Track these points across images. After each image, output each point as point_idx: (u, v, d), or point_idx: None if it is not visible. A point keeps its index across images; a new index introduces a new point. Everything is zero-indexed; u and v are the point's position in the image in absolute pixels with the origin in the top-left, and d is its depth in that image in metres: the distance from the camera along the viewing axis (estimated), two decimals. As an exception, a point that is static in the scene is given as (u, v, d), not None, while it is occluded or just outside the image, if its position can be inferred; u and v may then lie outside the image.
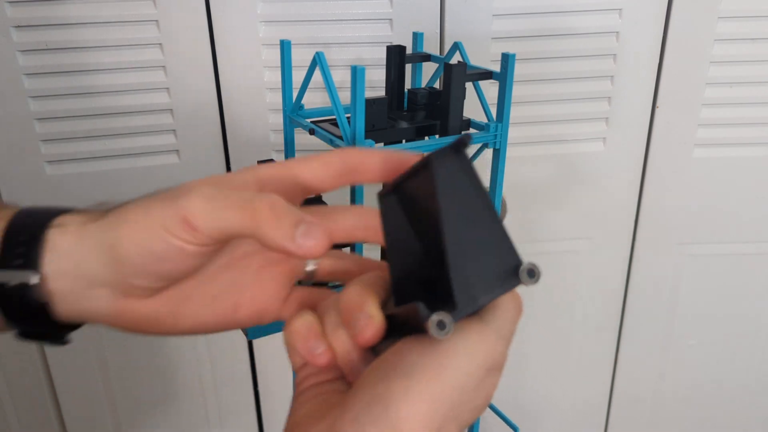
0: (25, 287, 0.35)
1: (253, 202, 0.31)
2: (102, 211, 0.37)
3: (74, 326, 0.38)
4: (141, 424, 0.96)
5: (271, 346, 0.93)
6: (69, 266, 0.35)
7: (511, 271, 0.30)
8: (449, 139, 0.56)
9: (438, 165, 0.30)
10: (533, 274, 0.30)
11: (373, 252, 0.60)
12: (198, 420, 0.98)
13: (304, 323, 0.33)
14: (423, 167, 0.31)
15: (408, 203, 0.33)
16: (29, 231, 0.36)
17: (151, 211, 0.34)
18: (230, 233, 0.32)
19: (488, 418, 0.69)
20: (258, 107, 0.80)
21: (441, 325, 0.28)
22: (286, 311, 0.39)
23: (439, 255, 0.30)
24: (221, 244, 0.34)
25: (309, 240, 0.30)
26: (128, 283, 0.35)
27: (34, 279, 0.35)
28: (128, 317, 0.36)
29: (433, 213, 0.30)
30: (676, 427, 1.08)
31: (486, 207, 0.30)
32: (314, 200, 0.58)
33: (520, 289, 0.31)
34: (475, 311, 0.30)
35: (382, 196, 0.34)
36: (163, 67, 0.77)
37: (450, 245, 0.29)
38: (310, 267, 0.40)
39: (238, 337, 0.92)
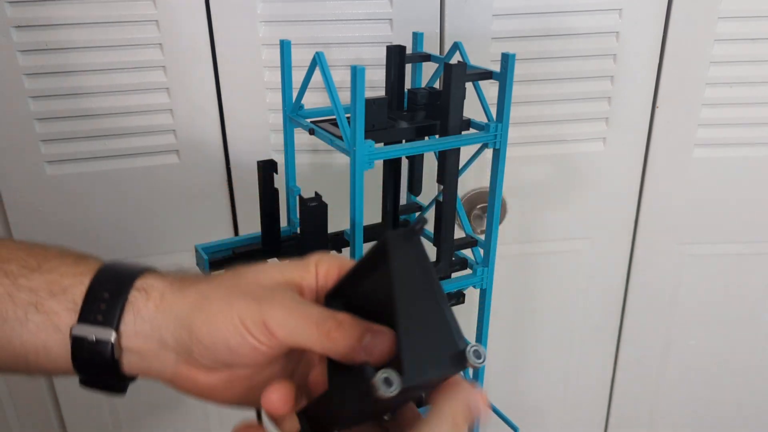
0: (100, 343, 0.38)
1: (326, 323, 0.35)
2: (183, 279, 0.40)
3: (133, 378, 0.41)
4: (141, 425, 0.96)
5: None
6: (146, 330, 0.38)
7: (457, 355, 0.31)
8: (449, 141, 0.56)
9: (393, 250, 0.32)
10: (479, 355, 0.31)
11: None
12: (198, 420, 0.98)
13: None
14: (379, 252, 0.33)
15: (359, 293, 0.36)
16: (113, 289, 0.39)
17: (234, 307, 0.37)
18: (303, 346, 0.36)
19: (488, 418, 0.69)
20: (258, 107, 0.80)
21: (387, 382, 0.29)
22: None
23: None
24: (289, 350, 0.37)
25: (374, 347, 0.33)
26: (195, 359, 0.38)
27: (111, 337, 0.38)
28: (187, 383, 0.39)
29: (387, 295, 0.32)
30: (676, 427, 1.08)
31: (434, 293, 0.32)
32: (314, 200, 0.58)
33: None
34: (422, 384, 0.31)
35: (329, 299, 0.38)
36: (163, 67, 0.77)
37: (402, 325, 0.31)
38: None
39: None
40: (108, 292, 0.39)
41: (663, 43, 0.81)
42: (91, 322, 0.38)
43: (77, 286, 0.39)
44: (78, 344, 0.38)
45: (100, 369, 0.38)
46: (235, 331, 0.36)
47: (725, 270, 0.96)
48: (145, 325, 0.38)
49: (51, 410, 0.94)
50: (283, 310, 0.36)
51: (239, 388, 0.40)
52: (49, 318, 0.38)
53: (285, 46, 0.57)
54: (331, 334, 0.34)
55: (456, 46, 0.62)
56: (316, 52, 0.53)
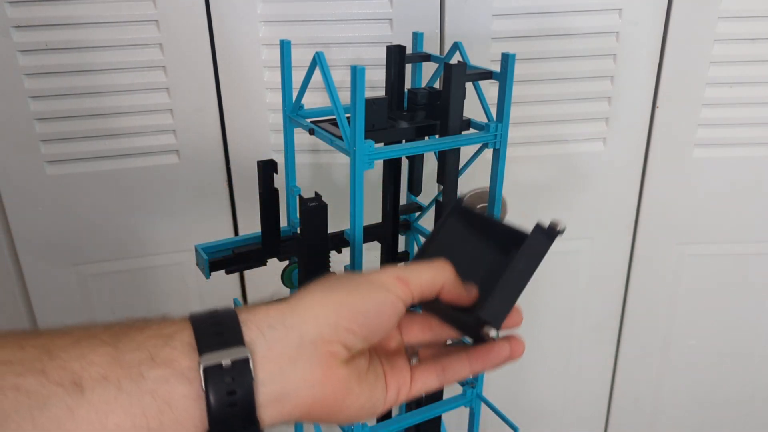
0: (237, 367, 0.35)
1: (438, 263, 0.44)
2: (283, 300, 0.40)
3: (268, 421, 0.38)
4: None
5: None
6: (278, 335, 0.37)
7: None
8: (449, 141, 0.56)
9: (534, 235, 0.47)
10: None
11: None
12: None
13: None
14: (514, 233, 0.49)
15: (479, 231, 0.50)
16: (220, 320, 0.37)
17: (369, 279, 0.42)
18: (429, 286, 0.43)
19: (488, 418, 0.69)
20: (258, 107, 0.80)
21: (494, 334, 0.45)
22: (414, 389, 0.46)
23: (492, 280, 0.44)
24: (416, 303, 0.43)
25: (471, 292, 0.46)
26: (340, 340, 0.39)
27: (245, 353, 0.35)
28: (327, 384, 0.38)
29: (507, 255, 0.47)
30: (676, 428, 1.08)
31: (529, 275, 0.46)
32: (313, 200, 0.58)
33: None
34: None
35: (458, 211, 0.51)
36: (163, 67, 0.77)
37: (503, 280, 0.44)
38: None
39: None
40: (216, 323, 0.36)
41: (663, 43, 0.82)
42: (216, 348, 0.35)
43: (181, 332, 0.36)
44: (212, 379, 0.34)
45: (238, 411, 0.34)
46: (380, 292, 0.40)
47: (725, 270, 0.96)
48: (275, 331, 0.37)
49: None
50: (403, 268, 0.43)
51: (364, 388, 0.41)
52: (167, 367, 0.34)
53: (285, 46, 0.57)
54: (446, 269, 0.44)
55: (456, 46, 0.62)
56: (316, 52, 0.53)
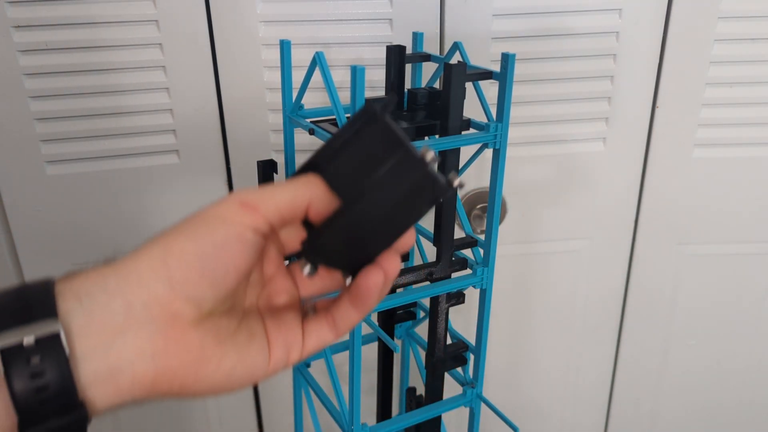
0: (43, 346, 0.29)
1: (303, 178, 0.35)
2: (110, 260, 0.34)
3: (97, 408, 0.32)
4: (141, 425, 0.96)
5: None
6: (101, 301, 0.31)
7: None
8: (449, 141, 0.56)
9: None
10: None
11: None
12: (198, 420, 0.98)
13: None
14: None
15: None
16: (27, 293, 0.31)
17: (203, 214, 0.34)
18: (289, 207, 0.34)
19: (488, 418, 0.69)
20: (258, 107, 0.80)
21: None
22: (307, 347, 0.39)
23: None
24: (272, 235, 0.35)
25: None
26: (180, 297, 0.32)
27: (56, 327, 0.30)
28: (172, 354, 0.32)
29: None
30: (676, 428, 1.08)
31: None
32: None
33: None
34: None
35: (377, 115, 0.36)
36: (163, 67, 0.77)
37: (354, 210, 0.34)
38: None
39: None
40: (22, 296, 0.31)
41: (663, 43, 0.82)
42: (18, 324, 0.29)
43: None
44: (12, 362, 0.29)
45: (51, 395, 0.29)
46: (214, 226, 0.33)
47: (725, 270, 0.96)
48: (94, 299, 0.31)
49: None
50: (252, 190, 0.34)
51: (230, 350, 0.35)
52: None
53: (285, 46, 0.57)
54: (310, 182, 0.35)
55: (456, 46, 0.62)
56: (316, 52, 0.53)
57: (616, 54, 0.81)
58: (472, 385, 0.69)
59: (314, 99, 0.76)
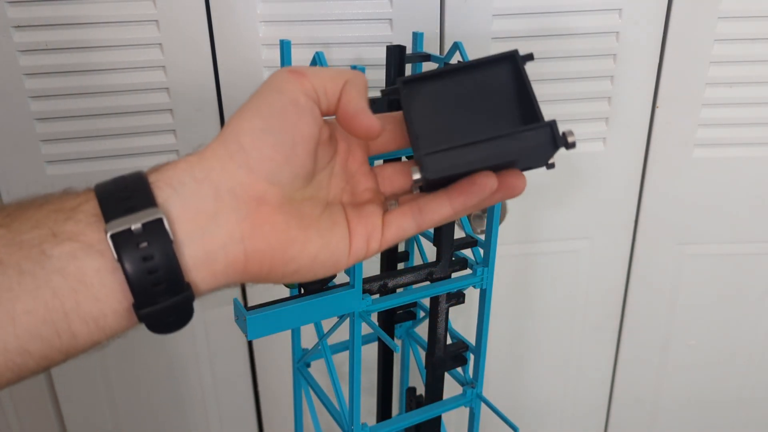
0: (149, 230, 0.31)
1: (351, 76, 0.37)
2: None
3: (198, 287, 0.34)
4: (141, 425, 0.97)
5: (271, 346, 0.93)
6: (191, 189, 0.33)
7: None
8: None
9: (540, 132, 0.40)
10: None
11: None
12: (198, 420, 0.98)
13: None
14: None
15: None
16: (127, 185, 0.33)
17: (261, 90, 0.35)
18: (331, 82, 0.36)
19: (488, 418, 0.69)
20: (258, 107, 0.80)
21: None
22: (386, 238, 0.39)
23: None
24: (326, 103, 0.36)
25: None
26: (261, 179, 0.34)
27: (159, 214, 0.31)
28: (259, 236, 0.34)
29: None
30: (676, 428, 1.08)
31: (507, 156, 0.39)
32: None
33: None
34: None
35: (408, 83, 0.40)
36: (163, 67, 0.77)
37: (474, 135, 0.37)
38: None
39: (238, 337, 0.92)
40: (123, 188, 0.32)
41: (663, 43, 0.82)
42: (124, 214, 0.31)
43: (85, 203, 0.32)
44: (123, 246, 0.30)
45: (161, 276, 0.31)
46: (270, 97, 0.35)
47: (725, 270, 0.96)
48: (186, 187, 0.33)
49: (51, 410, 0.94)
50: (297, 65, 0.37)
51: (313, 234, 0.36)
52: (73, 241, 0.31)
53: (285, 46, 0.57)
54: (351, 71, 0.37)
55: (456, 46, 0.62)
56: (316, 52, 0.53)
57: (616, 54, 0.81)
58: (472, 385, 0.69)
59: (314, 99, 0.76)
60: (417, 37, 0.69)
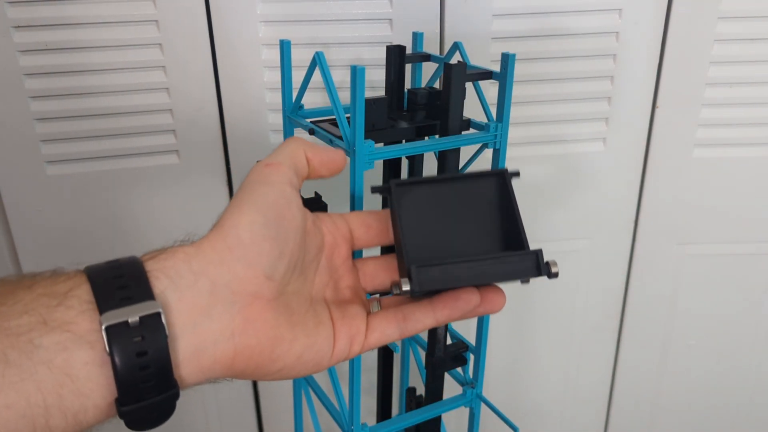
0: (146, 324, 0.30)
1: (287, 140, 0.41)
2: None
3: (187, 382, 0.33)
4: (141, 424, 0.96)
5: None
6: (188, 281, 0.32)
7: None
8: (449, 141, 0.56)
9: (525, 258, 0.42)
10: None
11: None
12: (197, 420, 0.98)
13: None
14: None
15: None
16: (122, 270, 0.32)
17: (248, 186, 0.37)
18: (294, 157, 0.39)
19: (488, 418, 0.69)
20: (258, 107, 0.80)
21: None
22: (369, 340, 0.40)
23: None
24: (299, 182, 0.39)
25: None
26: (258, 274, 0.34)
27: (157, 307, 0.30)
28: (250, 332, 0.34)
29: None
30: (676, 428, 1.08)
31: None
32: (314, 200, 0.58)
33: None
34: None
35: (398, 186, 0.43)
36: (163, 67, 0.77)
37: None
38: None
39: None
40: (118, 275, 0.31)
41: (663, 43, 0.82)
42: (120, 305, 0.30)
43: (77, 288, 0.31)
44: (117, 340, 0.29)
45: (151, 373, 0.30)
46: (260, 185, 0.36)
47: (725, 270, 0.96)
48: (183, 279, 0.32)
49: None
50: (267, 157, 0.39)
51: (300, 330, 0.36)
52: (64, 330, 0.29)
53: (285, 46, 0.57)
54: (292, 138, 0.41)
55: (456, 46, 0.62)
56: (316, 52, 0.53)
57: (616, 54, 0.81)
58: (472, 385, 0.69)
59: (314, 99, 0.76)
60: (417, 37, 0.69)
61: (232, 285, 0.33)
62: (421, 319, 0.40)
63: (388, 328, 0.40)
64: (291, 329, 0.36)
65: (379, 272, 0.43)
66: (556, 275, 0.41)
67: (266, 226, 0.35)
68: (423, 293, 0.39)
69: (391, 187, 0.41)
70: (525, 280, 0.41)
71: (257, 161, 0.38)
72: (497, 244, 0.42)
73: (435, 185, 0.42)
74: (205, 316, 0.32)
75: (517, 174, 0.42)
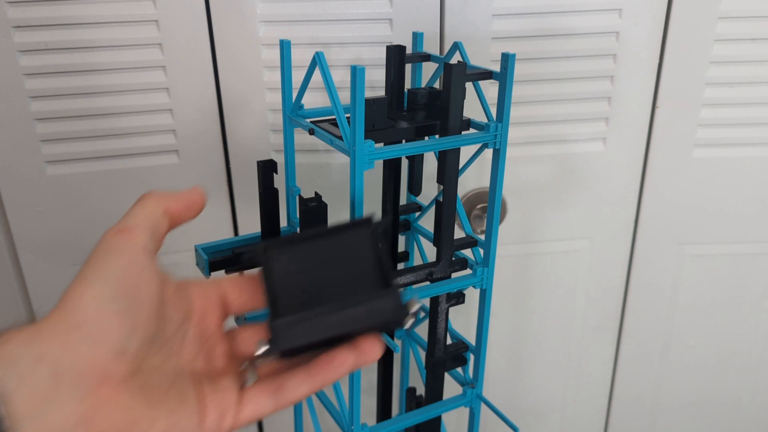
0: None
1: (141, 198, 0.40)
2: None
3: None
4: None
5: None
6: (27, 367, 0.30)
7: None
8: (449, 141, 0.56)
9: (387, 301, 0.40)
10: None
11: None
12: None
13: None
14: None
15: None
16: None
17: (95, 256, 0.35)
18: (152, 218, 0.38)
19: (488, 418, 0.69)
20: (258, 107, 0.80)
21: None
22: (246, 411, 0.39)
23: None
24: (160, 242, 0.38)
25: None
26: (106, 351, 0.32)
27: None
28: (100, 418, 0.31)
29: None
30: (676, 428, 1.08)
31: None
32: (314, 200, 0.58)
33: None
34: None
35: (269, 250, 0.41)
36: (163, 67, 0.77)
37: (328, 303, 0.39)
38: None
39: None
40: None
41: (663, 43, 0.82)
42: None
43: None
44: None
45: None
46: (111, 255, 0.34)
47: (725, 270, 0.96)
48: (23, 364, 0.30)
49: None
50: (120, 221, 0.38)
51: (162, 407, 0.34)
52: None
53: (285, 46, 0.57)
54: (145, 195, 0.40)
55: (456, 46, 0.62)
56: (316, 52, 0.53)
57: (616, 54, 0.81)
58: (472, 385, 0.69)
59: (314, 99, 0.76)
60: (417, 37, 0.69)
61: (78, 367, 0.31)
62: (297, 387, 0.39)
63: (262, 401, 0.39)
64: (150, 409, 0.33)
65: (257, 337, 0.40)
66: (415, 315, 0.40)
67: (114, 299, 0.33)
68: (290, 352, 0.38)
69: (258, 251, 0.40)
70: (398, 325, 0.40)
71: (110, 227, 0.37)
72: (368, 292, 0.41)
73: (305, 242, 0.41)
74: (48, 404, 0.30)
75: (383, 222, 0.42)
